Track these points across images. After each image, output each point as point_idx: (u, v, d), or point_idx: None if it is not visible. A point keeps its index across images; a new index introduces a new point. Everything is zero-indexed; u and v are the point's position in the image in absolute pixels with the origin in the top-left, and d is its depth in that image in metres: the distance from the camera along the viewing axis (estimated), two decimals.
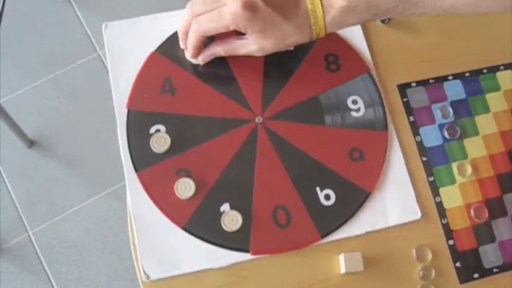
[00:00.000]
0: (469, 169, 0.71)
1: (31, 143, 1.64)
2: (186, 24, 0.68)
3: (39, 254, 1.54)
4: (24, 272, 1.52)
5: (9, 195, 1.59)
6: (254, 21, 0.63)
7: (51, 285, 1.51)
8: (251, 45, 0.67)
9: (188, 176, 0.68)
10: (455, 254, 0.68)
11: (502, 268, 0.68)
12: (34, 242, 1.55)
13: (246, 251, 0.65)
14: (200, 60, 0.72)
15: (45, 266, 1.52)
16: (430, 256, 0.67)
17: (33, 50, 1.77)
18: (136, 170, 0.68)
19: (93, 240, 1.55)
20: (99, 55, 1.75)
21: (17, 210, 1.58)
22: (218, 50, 0.70)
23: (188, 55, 0.72)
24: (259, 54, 0.68)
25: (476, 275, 0.68)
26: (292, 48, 0.74)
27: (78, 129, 1.67)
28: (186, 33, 0.69)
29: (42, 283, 1.51)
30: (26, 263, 1.53)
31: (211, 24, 0.65)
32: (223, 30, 0.66)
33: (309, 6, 0.64)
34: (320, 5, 0.64)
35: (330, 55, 0.75)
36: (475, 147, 0.73)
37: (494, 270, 0.68)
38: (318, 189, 0.69)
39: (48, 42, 1.77)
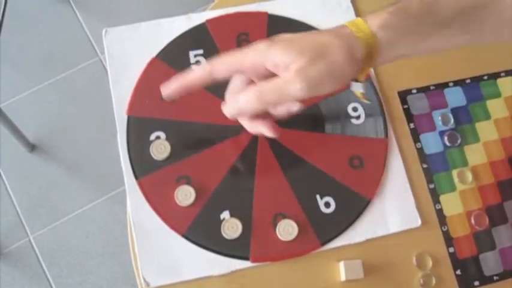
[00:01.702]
0: (469, 176, 0.71)
1: (32, 147, 1.64)
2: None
3: (40, 258, 1.53)
4: (25, 276, 1.52)
5: (10, 199, 1.59)
6: (282, 46, 0.53)
7: None
8: (293, 83, 0.52)
9: (188, 183, 0.68)
10: (456, 261, 0.68)
11: (503, 276, 0.68)
12: (35, 246, 1.55)
13: (246, 258, 0.65)
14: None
15: (45, 271, 1.52)
16: (430, 263, 0.67)
17: (33, 54, 1.77)
18: (136, 177, 0.68)
19: (93, 244, 1.55)
20: (100, 59, 1.75)
21: (17, 215, 1.58)
22: (248, 96, 0.56)
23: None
24: (305, 93, 0.53)
25: (476, 283, 0.68)
26: None
27: (79, 133, 1.67)
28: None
29: (43, 287, 1.51)
30: (26, 267, 1.53)
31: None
32: (245, 71, 0.56)
33: (347, 24, 0.54)
34: (359, 18, 0.55)
35: None
36: (475, 154, 0.73)
37: (495, 278, 0.68)
38: (318, 196, 0.68)
39: (48, 46, 1.77)
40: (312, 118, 0.72)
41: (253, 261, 0.65)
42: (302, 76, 0.52)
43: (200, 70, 0.59)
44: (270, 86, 0.54)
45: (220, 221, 0.66)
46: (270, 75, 0.55)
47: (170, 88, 0.61)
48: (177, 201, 0.66)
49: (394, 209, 0.69)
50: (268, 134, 0.60)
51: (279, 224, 0.66)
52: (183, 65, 0.74)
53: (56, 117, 1.69)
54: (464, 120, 0.74)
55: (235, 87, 0.60)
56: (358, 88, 0.58)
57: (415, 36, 0.55)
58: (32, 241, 1.55)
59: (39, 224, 1.57)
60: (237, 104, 0.57)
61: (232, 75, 0.59)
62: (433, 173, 0.71)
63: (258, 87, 0.55)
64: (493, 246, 0.69)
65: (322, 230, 0.67)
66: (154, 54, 0.74)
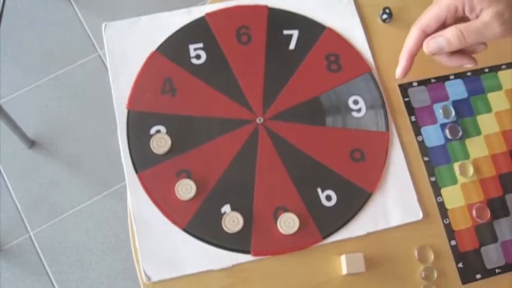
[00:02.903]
0: (470, 169, 0.71)
1: (32, 144, 1.64)
2: None
3: (40, 255, 1.53)
4: (25, 272, 1.52)
5: (10, 196, 1.59)
6: None
7: (52, 286, 1.50)
8: (492, 26, 0.58)
9: (189, 177, 0.67)
10: (458, 254, 0.68)
11: (505, 269, 0.68)
12: (35, 242, 1.54)
13: (247, 252, 0.65)
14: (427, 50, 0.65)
15: (46, 267, 1.52)
16: (432, 257, 0.67)
17: (33, 50, 1.76)
18: (136, 171, 0.68)
19: (94, 240, 1.55)
20: (99, 55, 1.75)
21: (17, 211, 1.57)
22: (448, 36, 0.61)
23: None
24: (502, 35, 0.59)
25: (478, 276, 0.67)
26: (293, 48, 0.74)
27: (79, 129, 1.67)
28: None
29: (43, 284, 1.51)
30: (27, 263, 1.52)
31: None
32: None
33: None
34: None
35: (331, 55, 0.75)
36: (476, 147, 0.73)
37: (497, 270, 0.68)
38: (319, 190, 0.68)
39: (48, 42, 1.77)
40: (313, 111, 0.72)
41: (255, 254, 0.65)
42: (500, 20, 0.58)
43: (414, 34, 0.65)
44: (470, 28, 0.60)
45: (221, 215, 0.66)
46: (461, 16, 0.61)
47: (401, 68, 0.67)
48: (178, 195, 0.66)
49: (395, 202, 0.69)
50: (469, 65, 0.66)
51: (280, 218, 0.66)
52: (183, 58, 0.73)
53: (55, 113, 1.69)
54: (465, 113, 0.74)
55: (427, 27, 0.64)
56: None
57: None
58: (33, 237, 1.55)
59: (39, 220, 1.56)
60: (438, 44, 0.63)
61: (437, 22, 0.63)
62: (434, 166, 0.71)
63: (459, 30, 0.60)
64: (494, 239, 0.69)
65: (324, 223, 0.67)
66: (154, 48, 0.74)
